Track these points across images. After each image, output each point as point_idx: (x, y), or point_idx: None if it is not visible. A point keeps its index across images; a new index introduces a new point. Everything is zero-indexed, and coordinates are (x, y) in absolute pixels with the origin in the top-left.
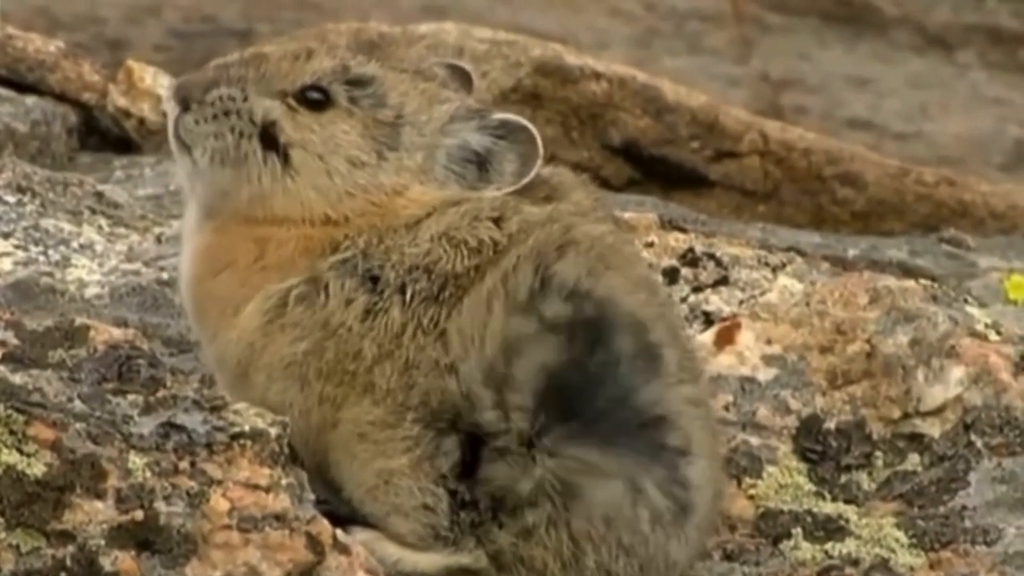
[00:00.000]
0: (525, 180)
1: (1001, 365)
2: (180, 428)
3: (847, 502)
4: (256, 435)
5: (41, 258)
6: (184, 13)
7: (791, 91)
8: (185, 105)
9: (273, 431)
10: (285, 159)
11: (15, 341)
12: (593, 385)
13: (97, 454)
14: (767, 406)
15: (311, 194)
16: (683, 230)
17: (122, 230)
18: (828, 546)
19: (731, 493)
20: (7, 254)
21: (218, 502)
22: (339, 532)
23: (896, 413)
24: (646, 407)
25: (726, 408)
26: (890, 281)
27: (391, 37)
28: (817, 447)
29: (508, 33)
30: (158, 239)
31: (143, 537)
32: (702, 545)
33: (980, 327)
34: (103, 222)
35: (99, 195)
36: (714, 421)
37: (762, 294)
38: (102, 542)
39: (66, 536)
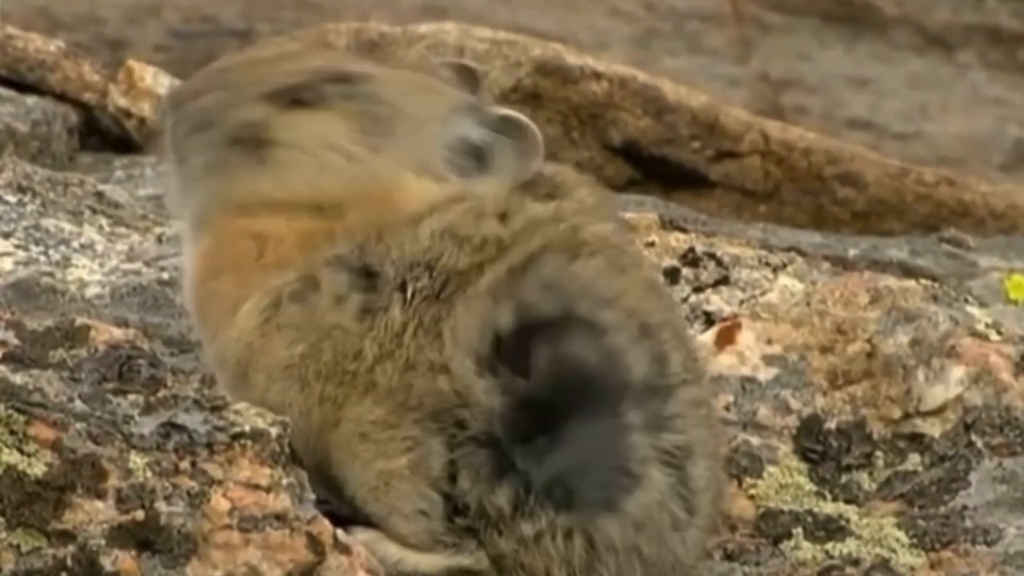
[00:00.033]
0: (525, 176)
1: (1001, 365)
2: (181, 428)
3: (848, 502)
4: (257, 435)
5: (42, 258)
6: (184, 13)
7: (791, 91)
8: (176, 115)
9: (274, 431)
10: (277, 160)
11: (15, 341)
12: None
13: (98, 454)
14: (767, 406)
15: (306, 190)
16: (684, 230)
17: (123, 230)
18: (829, 546)
19: (731, 493)
20: (8, 254)
21: (219, 502)
22: (340, 532)
23: (896, 413)
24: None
25: (727, 408)
26: (890, 281)
27: (391, 37)
28: (818, 447)
29: (508, 33)
30: (159, 239)
31: (144, 537)
32: (705, 546)
33: (980, 327)
34: (104, 222)
35: (100, 195)
36: (716, 421)
37: (763, 294)
38: (102, 542)
39: (66, 536)
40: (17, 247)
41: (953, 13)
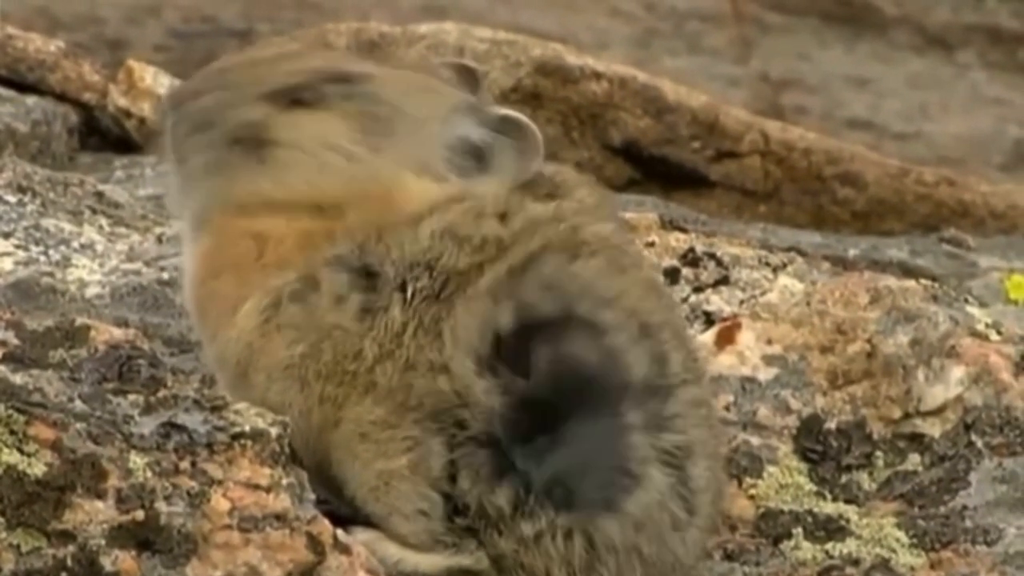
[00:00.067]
0: (525, 176)
1: (1001, 365)
2: (181, 428)
3: (848, 502)
4: (257, 435)
5: (42, 258)
6: (184, 13)
7: (791, 91)
8: (176, 115)
9: (274, 431)
10: (277, 160)
11: (15, 341)
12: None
13: (98, 454)
14: (767, 406)
15: (306, 190)
16: (684, 230)
17: (123, 230)
18: (829, 546)
19: (731, 493)
20: (8, 254)
21: (219, 502)
22: (340, 532)
23: (896, 413)
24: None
25: (727, 408)
26: (890, 281)
27: (391, 37)
28: (818, 447)
29: (508, 33)
30: (159, 239)
31: (143, 537)
32: (705, 546)
33: (980, 327)
34: (104, 222)
35: (100, 195)
36: (716, 421)
37: (763, 294)
38: (102, 542)
39: (66, 536)
40: (17, 247)
41: (953, 13)
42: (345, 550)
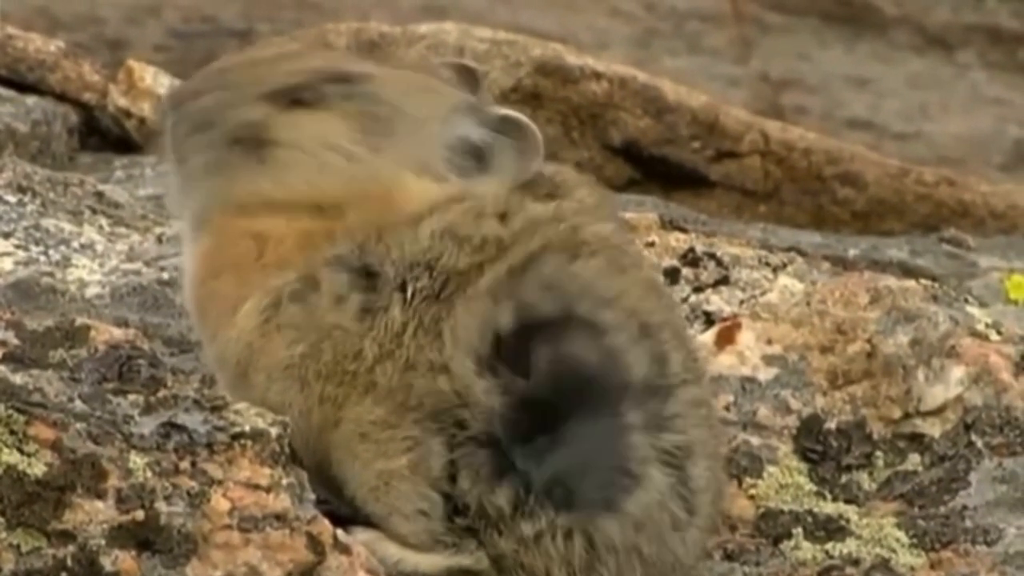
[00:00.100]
0: (525, 176)
1: (1001, 365)
2: (181, 428)
3: (848, 502)
4: (257, 435)
5: (42, 258)
6: (184, 13)
7: (791, 91)
8: (177, 115)
9: (273, 431)
10: (277, 160)
11: (16, 341)
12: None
13: (98, 454)
14: (767, 406)
15: (306, 190)
16: (684, 230)
17: (123, 230)
18: (829, 546)
19: (731, 493)
20: (8, 254)
21: (219, 502)
22: (340, 532)
23: (896, 413)
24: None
25: (727, 408)
26: (890, 281)
27: (391, 37)
28: (817, 447)
29: (508, 33)
30: (159, 239)
31: (143, 537)
32: (705, 546)
33: (980, 327)
34: (104, 222)
35: (100, 195)
36: (716, 421)
37: (763, 294)
38: (102, 542)
39: (66, 536)
40: (17, 247)
41: (953, 13)
42: (345, 550)
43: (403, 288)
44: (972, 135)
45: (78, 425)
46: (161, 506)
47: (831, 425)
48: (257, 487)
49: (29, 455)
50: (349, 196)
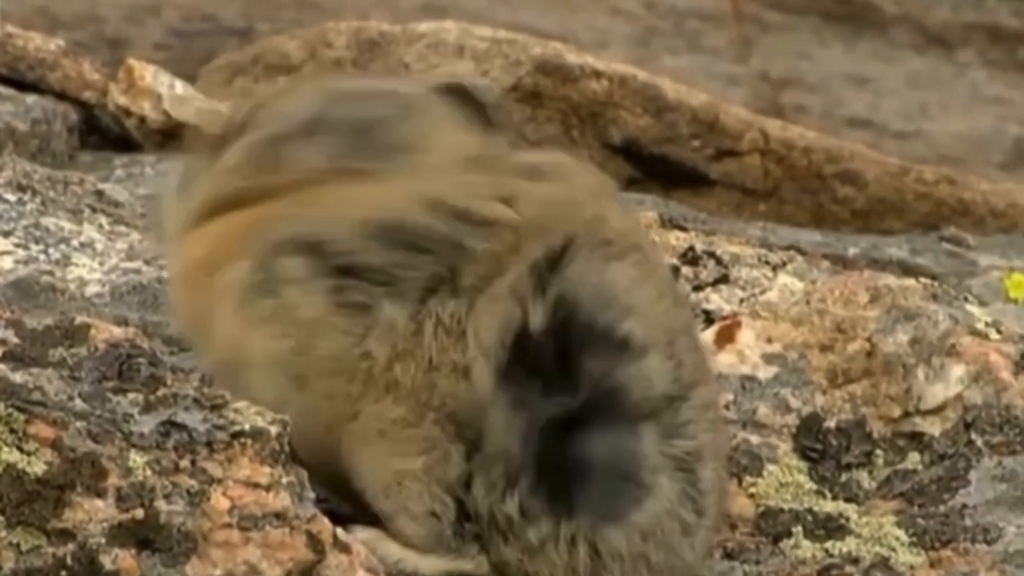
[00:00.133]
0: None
1: (1001, 364)
2: (180, 426)
3: (847, 501)
4: (256, 433)
5: (41, 256)
6: (184, 12)
7: (791, 90)
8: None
9: (273, 429)
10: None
11: (15, 339)
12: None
13: (97, 452)
14: (767, 404)
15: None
16: (683, 229)
17: (123, 228)
18: (828, 544)
19: (732, 491)
20: (7, 252)
21: (218, 500)
22: (340, 531)
23: (896, 412)
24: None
25: (727, 407)
26: (890, 280)
27: (391, 36)
28: (817, 445)
29: (508, 32)
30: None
31: (143, 535)
32: (711, 544)
33: (980, 326)
34: (103, 220)
35: (99, 193)
36: (721, 421)
37: (762, 292)
38: (102, 540)
39: (66, 534)
40: (17, 246)
41: (953, 12)
42: (345, 549)
43: (391, 281)
44: (972, 134)
45: (78, 424)
46: (161, 505)
47: (831, 424)
48: (257, 486)
49: (29, 454)
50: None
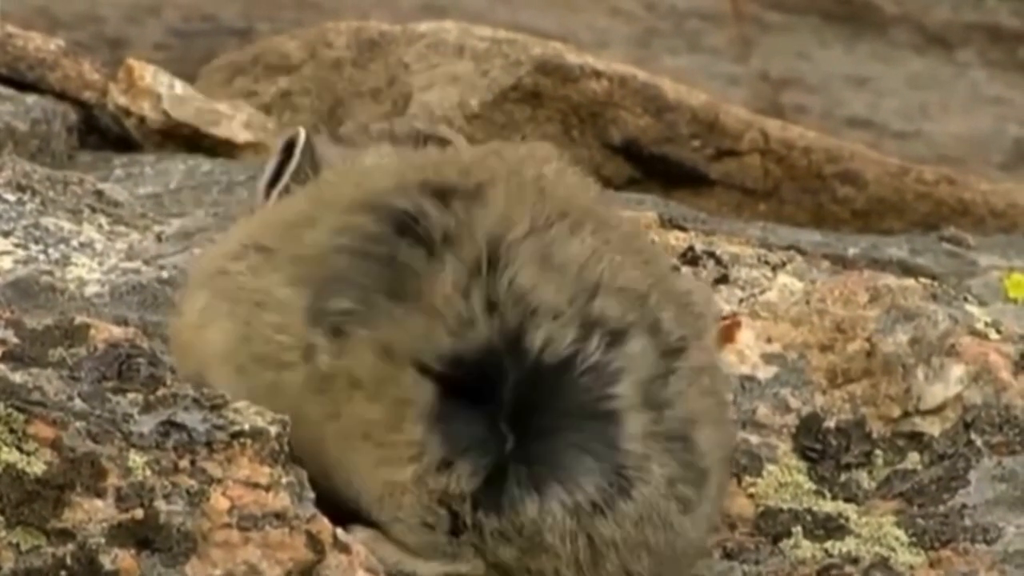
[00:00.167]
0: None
1: (1001, 364)
2: (180, 426)
3: (847, 501)
4: (256, 433)
5: (41, 256)
6: (184, 12)
7: (791, 90)
8: None
9: (273, 429)
10: None
11: (15, 339)
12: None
13: (97, 452)
14: (767, 404)
15: None
16: (683, 228)
17: (122, 228)
18: (828, 544)
19: (731, 491)
20: (7, 252)
21: (218, 500)
22: (339, 531)
23: (896, 412)
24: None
25: None
26: (890, 280)
27: (391, 36)
28: (817, 445)
29: (508, 32)
30: (158, 237)
31: (143, 535)
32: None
33: (980, 326)
34: (103, 220)
35: (99, 193)
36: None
37: (762, 292)
38: (102, 540)
39: (66, 534)
40: (16, 246)
41: (953, 12)
42: (345, 549)
43: None
44: (972, 134)
45: (77, 424)
46: (160, 505)
47: (830, 424)
48: (256, 486)
49: (28, 454)
50: None
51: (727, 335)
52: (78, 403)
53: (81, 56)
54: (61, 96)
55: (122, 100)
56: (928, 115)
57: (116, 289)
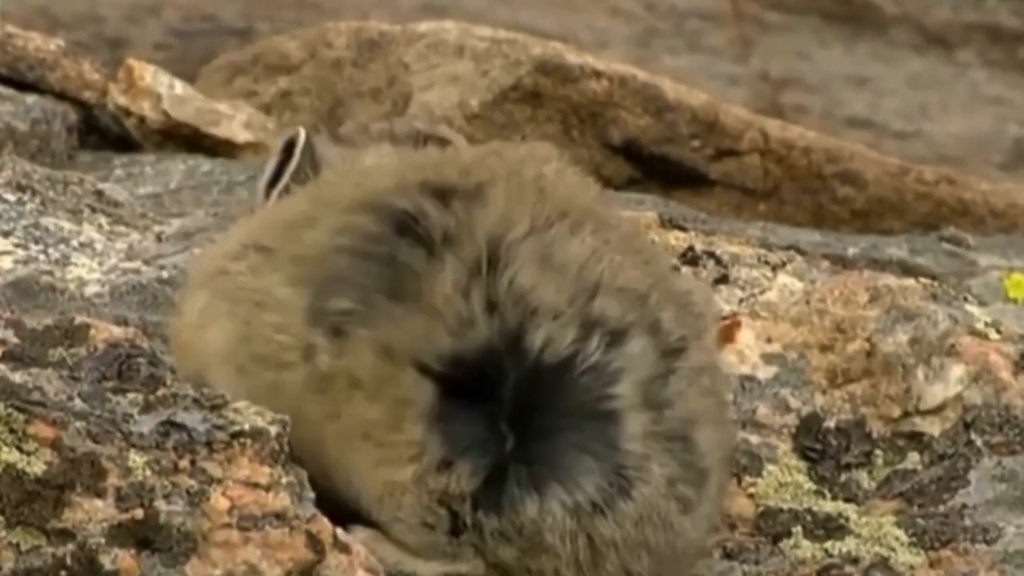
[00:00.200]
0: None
1: (1001, 364)
2: (180, 426)
3: (847, 501)
4: (256, 433)
5: (41, 256)
6: (184, 12)
7: (791, 90)
8: None
9: (273, 429)
10: None
11: (15, 339)
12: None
13: (97, 452)
14: (767, 404)
15: None
16: (683, 228)
17: (122, 228)
18: (828, 544)
19: (731, 491)
20: (7, 252)
21: (218, 500)
22: (339, 531)
23: (896, 412)
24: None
25: None
26: (890, 280)
27: (391, 36)
28: (817, 445)
29: (508, 32)
30: (158, 237)
31: (143, 535)
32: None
33: (980, 326)
34: (103, 220)
35: (99, 193)
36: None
37: (762, 292)
38: (102, 540)
39: (66, 534)
40: (16, 246)
41: (953, 12)
42: (345, 549)
43: None
44: (972, 134)
45: (77, 424)
46: (160, 505)
47: (830, 424)
48: (256, 486)
49: (28, 454)
50: None
51: (727, 335)
52: (78, 403)
53: (81, 56)
54: (61, 96)
55: (122, 100)
56: (928, 115)
57: (116, 289)
